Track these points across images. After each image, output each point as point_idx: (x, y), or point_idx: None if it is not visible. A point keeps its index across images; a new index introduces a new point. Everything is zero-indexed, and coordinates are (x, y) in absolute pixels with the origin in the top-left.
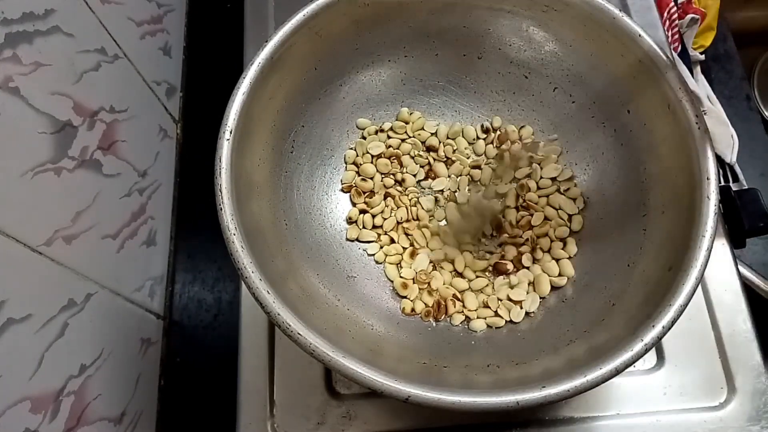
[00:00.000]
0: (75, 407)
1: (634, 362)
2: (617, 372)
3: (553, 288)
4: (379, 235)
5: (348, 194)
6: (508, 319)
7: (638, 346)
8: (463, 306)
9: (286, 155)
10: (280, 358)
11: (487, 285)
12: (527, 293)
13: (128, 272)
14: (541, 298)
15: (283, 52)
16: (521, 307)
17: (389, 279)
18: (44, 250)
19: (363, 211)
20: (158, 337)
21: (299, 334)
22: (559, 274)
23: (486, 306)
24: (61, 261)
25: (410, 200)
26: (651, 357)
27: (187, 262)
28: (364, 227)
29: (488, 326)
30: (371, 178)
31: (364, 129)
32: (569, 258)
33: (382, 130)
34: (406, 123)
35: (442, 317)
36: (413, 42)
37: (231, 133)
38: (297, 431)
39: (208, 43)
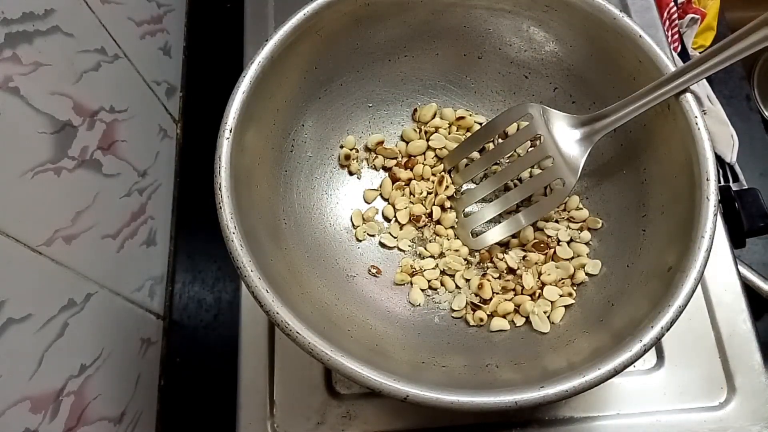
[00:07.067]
0: (75, 407)
1: (632, 363)
2: (616, 372)
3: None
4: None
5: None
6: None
7: (637, 347)
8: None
9: (286, 154)
10: (280, 358)
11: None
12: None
13: (128, 272)
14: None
15: (284, 51)
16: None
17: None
18: (44, 250)
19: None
20: (158, 337)
21: (298, 333)
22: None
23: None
24: (61, 261)
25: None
26: (651, 357)
27: (187, 262)
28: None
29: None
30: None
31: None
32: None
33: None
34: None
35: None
36: (413, 42)
37: (231, 131)
38: (297, 431)
39: (208, 43)
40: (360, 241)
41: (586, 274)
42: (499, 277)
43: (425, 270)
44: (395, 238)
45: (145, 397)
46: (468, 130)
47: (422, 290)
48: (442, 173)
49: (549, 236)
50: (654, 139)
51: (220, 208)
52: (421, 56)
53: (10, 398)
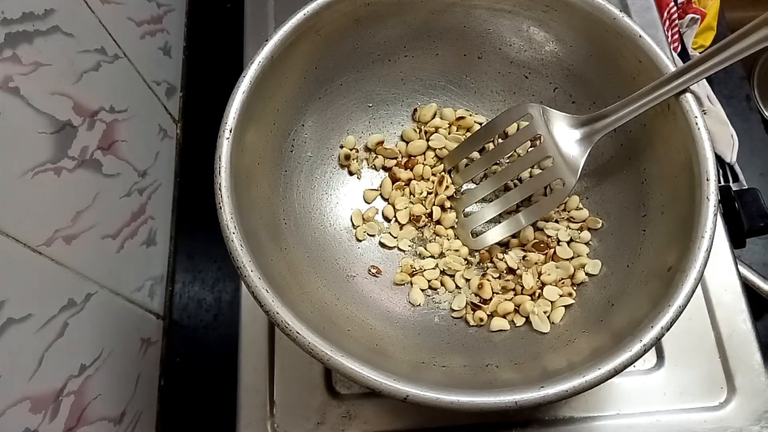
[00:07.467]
0: (75, 407)
1: (632, 363)
2: (616, 372)
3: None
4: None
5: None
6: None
7: (637, 347)
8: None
9: (286, 154)
10: (280, 358)
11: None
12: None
13: (128, 272)
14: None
15: (284, 51)
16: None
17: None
18: (44, 250)
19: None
20: (158, 337)
21: (298, 333)
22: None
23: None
24: (61, 261)
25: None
26: (651, 357)
27: (187, 262)
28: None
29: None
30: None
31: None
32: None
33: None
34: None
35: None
36: (413, 42)
37: (231, 131)
38: (297, 431)
39: (208, 43)
40: (360, 241)
41: (586, 274)
42: (499, 277)
43: (425, 270)
44: (395, 238)
45: (145, 397)
46: (468, 130)
47: (422, 290)
48: (442, 173)
49: (549, 236)
50: (654, 139)
51: (220, 208)
52: (421, 56)
53: (10, 398)
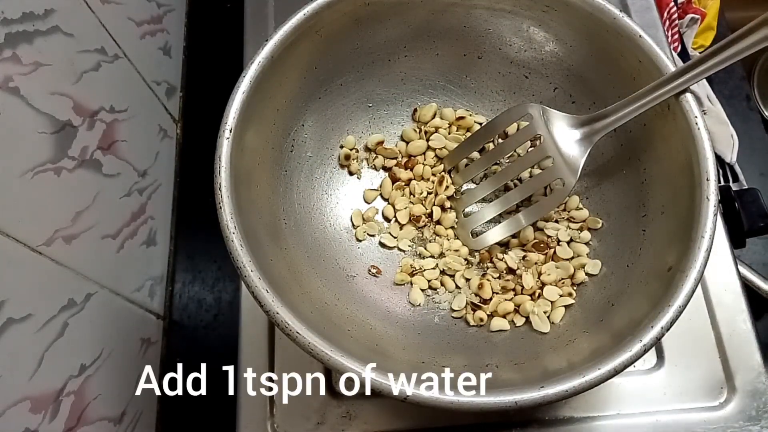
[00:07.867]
0: (75, 407)
1: (632, 363)
2: (616, 372)
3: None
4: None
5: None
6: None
7: (637, 347)
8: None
9: (286, 154)
10: (280, 358)
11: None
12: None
13: (128, 272)
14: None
15: (284, 51)
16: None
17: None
18: (44, 250)
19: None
20: (158, 337)
21: (298, 333)
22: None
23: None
24: (61, 261)
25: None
26: (651, 357)
27: (187, 262)
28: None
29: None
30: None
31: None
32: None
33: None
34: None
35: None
36: (413, 42)
37: (231, 131)
38: (297, 431)
39: (208, 43)
40: (360, 241)
41: (586, 274)
42: (499, 277)
43: (425, 270)
44: (395, 238)
45: (145, 397)
46: (468, 130)
47: (422, 290)
48: (442, 173)
49: (549, 236)
50: (654, 139)
51: (220, 208)
52: (421, 56)
53: (10, 398)
